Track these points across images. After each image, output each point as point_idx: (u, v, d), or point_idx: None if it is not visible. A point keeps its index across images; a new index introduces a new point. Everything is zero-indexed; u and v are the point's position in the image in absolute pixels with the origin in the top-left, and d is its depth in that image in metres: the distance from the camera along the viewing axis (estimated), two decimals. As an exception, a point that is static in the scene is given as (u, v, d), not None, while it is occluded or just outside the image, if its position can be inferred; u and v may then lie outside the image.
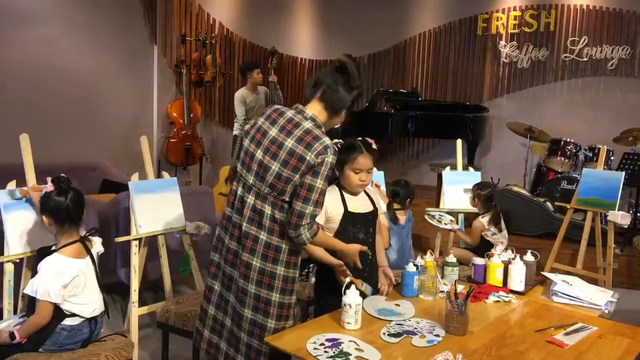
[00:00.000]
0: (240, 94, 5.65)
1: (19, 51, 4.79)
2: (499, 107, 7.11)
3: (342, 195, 2.30)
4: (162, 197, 3.13)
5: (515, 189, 5.11)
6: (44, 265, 2.05)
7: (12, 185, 2.48)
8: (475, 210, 3.65)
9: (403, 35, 7.79)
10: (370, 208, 2.37)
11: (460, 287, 2.28)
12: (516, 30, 6.99)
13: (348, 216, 2.27)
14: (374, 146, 2.30)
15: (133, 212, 2.95)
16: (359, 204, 2.32)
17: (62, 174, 2.21)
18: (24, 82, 4.84)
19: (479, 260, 2.56)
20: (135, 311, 2.85)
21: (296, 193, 1.89)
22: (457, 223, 3.73)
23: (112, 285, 3.51)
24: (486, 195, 3.50)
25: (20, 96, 4.82)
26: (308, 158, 1.86)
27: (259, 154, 1.94)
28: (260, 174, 1.93)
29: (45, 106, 4.98)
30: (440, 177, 5.98)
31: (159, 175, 3.23)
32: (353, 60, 2.02)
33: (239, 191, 1.99)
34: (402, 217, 3.38)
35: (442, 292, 2.31)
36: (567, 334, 1.98)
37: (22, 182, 2.56)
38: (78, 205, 2.15)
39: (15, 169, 4.58)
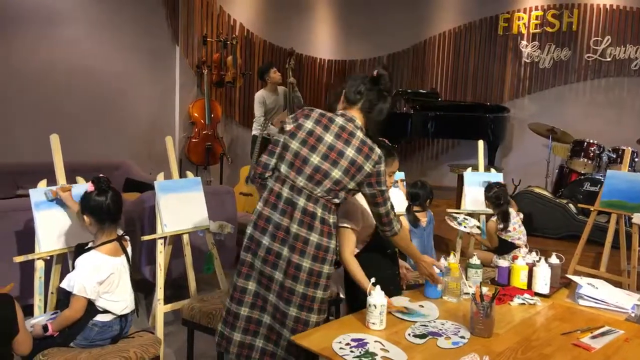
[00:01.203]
0: (260, 94, 5.67)
1: (46, 52, 4.89)
2: (521, 107, 7.04)
3: None
4: (187, 196, 3.17)
5: (537, 190, 5.06)
6: (82, 261, 2.11)
7: (42, 184, 2.55)
8: (490, 210, 3.64)
9: (422, 35, 7.76)
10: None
11: (484, 289, 2.28)
12: (538, 30, 6.92)
13: None
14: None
15: (159, 211, 3.00)
16: None
17: (101, 174, 2.27)
18: (50, 82, 4.94)
19: (503, 262, 2.55)
20: (161, 308, 2.90)
21: (369, 202, 2.10)
22: (479, 225, 3.71)
23: (136, 283, 3.56)
24: (492, 196, 3.49)
25: (46, 96, 4.92)
26: (366, 167, 2.00)
27: (314, 159, 1.99)
28: (316, 178, 1.98)
29: (69, 106, 5.08)
30: (460, 178, 5.97)
31: (181, 175, 3.27)
32: (388, 73, 2.11)
33: (285, 193, 2.00)
34: (423, 218, 3.39)
35: (466, 294, 2.31)
36: (593, 337, 1.97)
37: (51, 181, 2.62)
38: (117, 204, 2.21)
39: (43, 168, 4.68)
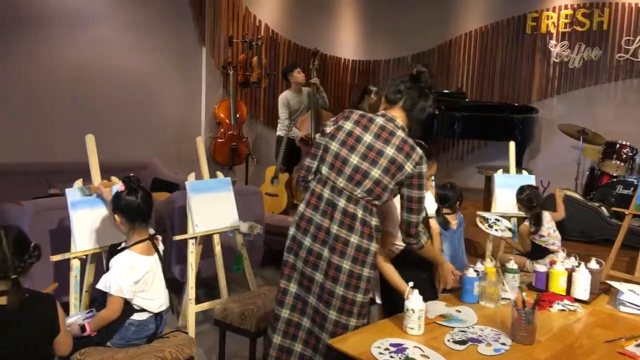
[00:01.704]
0: (283, 96, 5.67)
1: (77, 53, 4.96)
2: (549, 108, 6.91)
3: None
4: (217, 196, 3.18)
5: (569, 193, 4.95)
6: (117, 261, 2.12)
7: (79, 183, 2.57)
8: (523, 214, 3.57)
9: (448, 35, 7.67)
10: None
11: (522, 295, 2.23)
12: (567, 30, 6.79)
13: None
14: None
15: (190, 211, 3.01)
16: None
17: (132, 174, 2.28)
18: (80, 83, 5.00)
19: (541, 267, 2.49)
20: (192, 308, 2.91)
21: (402, 206, 2.02)
22: (510, 228, 3.64)
23: (166, 282, 3.59)
24: (525, 199, 3.42)
25: (76, 97, 4.98)
26: (407, 167, 1.97)
27: (353, 159, 1.99)
28: (356, 179, 1.98)
29: (98, 106, 5.13)
30: (488, 179, 5.88)
31: (210, 175, 3.27)
32: (428, 70, 2.08)
33: (326, 194, 2.01)
34: (453, 221, 3.33)
35: (504, 299, 2.26)
36: (638, 345, 1.91)
37: (86, 180, 2.65)
38: (147, 203, 2.22)
39: (74, 168, 4.74)
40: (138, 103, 5.48)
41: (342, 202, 1.98)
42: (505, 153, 6.70)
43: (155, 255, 2.26)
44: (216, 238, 3.15)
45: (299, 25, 7.03)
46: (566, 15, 6.79)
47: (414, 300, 1.90)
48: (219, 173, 3.29)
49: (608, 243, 4.32)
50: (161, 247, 2.35)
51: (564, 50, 6.80)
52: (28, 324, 1.70)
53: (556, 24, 6.84)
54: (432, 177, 3.56)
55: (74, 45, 4.93)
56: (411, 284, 1.99)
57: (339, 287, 1.97)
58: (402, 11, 7.76)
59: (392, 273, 2.17)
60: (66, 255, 2.43)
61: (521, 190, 3.44)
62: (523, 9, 7.04)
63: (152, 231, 2.30)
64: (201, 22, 5.92)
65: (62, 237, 2.83)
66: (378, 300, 2.36)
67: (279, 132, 5.72)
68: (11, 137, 4.58)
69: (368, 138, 1.99)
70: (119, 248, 2.22)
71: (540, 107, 6.76)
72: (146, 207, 2.22)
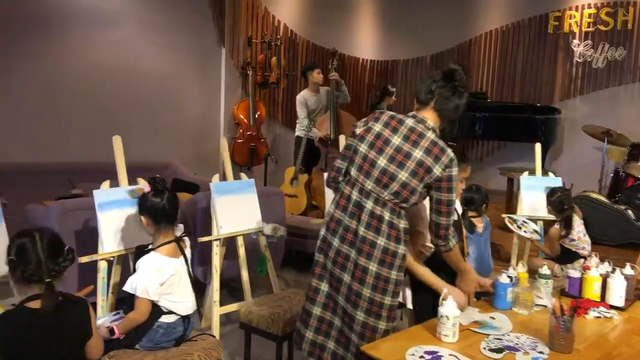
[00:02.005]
0: (301, 96, 5.65)
1: (97, 53, 4.98)
2: (572, 108, 6.80)
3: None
4: (241, 198, 3.17)
5: (594, 195, 4.86)
6: (143, 263, 2.11)
7: (106, 185, 2.57)
8: (552, 217, 3.50)
9: (468, 34, 7.59)
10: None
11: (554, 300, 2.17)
12: (591, 29, 6.67)
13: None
14: None
15: (214, 212, 3.00)
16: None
17: (157, 175, 2.27)
18: (100, 82, 5.03)
19: (574, 273, 2.43)
20: (217, 310, 2.90)
21: (431, 209, 1.97)
22: (537, 230, 3.57)
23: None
24: (556, 201, 3.35)
25: (96, 96, 5.01)
26: (435, 170, 1.92)
27: (381, 161, 1.96)
28: (383, 181, 1.95)
29: (117, 106, 5.15)
30: (510, 181, 5.81)
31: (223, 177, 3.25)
32: (462, 68, 2.02)
33: (354, 196, 2.00)
34: (479, 224, 3.28)
35: (537, 305, 2.21)
36: (681, 355, 1.85)
37: (109, 180, 2.64)
38: (173, 205, 2.20)
39: (95, 167, 4.77)
40: (158, 103, 5.50)
41: (369, 204, 1.96)
42: (525, 154, 6.66)
43: (182, 258, 2.24)
44: (240, 240, 3.13)
45: (318, 25, 7.00)
46: (589, 15, 6.68)
47: (448, 306, 1.86)
48: (242, 174, 3.28)
49: (635, 247, 4.22)
50: (188, 250, 2.33)
51: (587, 50, 6.69)
52: (62, 327, 1.69)
53: (579, 24, 6.73)
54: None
55: (94, 46, 4.96)
56: (445, 290, 1.95)
57: (365, 288, 1.96)
58: (421, 10, 7.69)
59: (425, 273, 2.13)
60: (94, 257, 2.43)
61: (552, 192, 3.37)
62: (545, 8, 6.94)
63: (179, 233, 2.28)
64: (221, 22, 5.92)
65: (87, 237, 2.84)
66: (409, 305, 2.32)
67: (298, 133, 5.70)
68: (32, 137, 4.62)
69: (397, 140, 1.95)
70: (146, 249, 2.21)
71: (563, 108, 6.66)
72: (172, 209, 2.20)
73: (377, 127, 2.00)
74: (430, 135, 1.96)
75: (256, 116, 6.10)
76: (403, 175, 1.93)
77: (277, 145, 6.66)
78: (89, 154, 4.83)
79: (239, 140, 6.03)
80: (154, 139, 5.41)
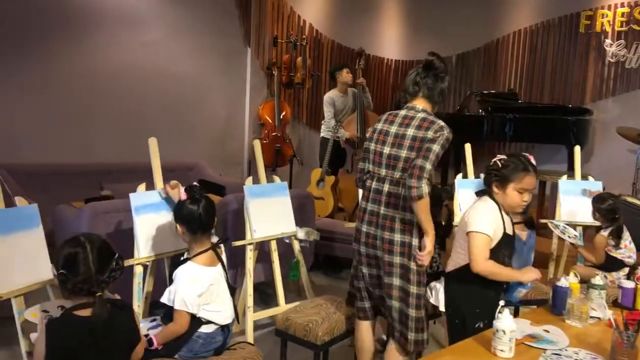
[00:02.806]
0: (329, 96, 5.59)
1: (124, 54, 4.96)
2: (604, 109, 6.61)
3: (501, 214, 2.19)
4: (275, 201, 3.11)
5: (630, 199, 4.70)
6: (179, 274, 2.05)
7: (142, 188, 2.52)
8: (596, 223, 3.37)
9: (495, 33, 7.43)
10: (511, 229, 2.25)
11: (609, 313, 2.07)
12: (624, 28, 6.48)
13: (504, 238, 2.20)
14: (533, 161, 2.18)
15: (248, 216, 2.94)
16: (509, 225, 2.22)
17: (195, 183, 2.22)
18: (127, 84, 5.01)
19: (627, 283, 2.32)
20: (251, 316, 2.84)
21: (421, 155, 2.13)
22: (576, 235, 3.45)
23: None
24: (607, 209, 3.21)
25: (123, 98, 4.98)
26: (428, 135, 2.16)
27: (386, 149, 2.26)
28: (391, 164, 2.24)
29: (143, 107, 5.12)
30: (542, 184, 5.66)
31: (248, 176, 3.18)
32: (437, 56, 2.26)
33: (374, 185, 2.30)
34: (522, 232, 3.17)
35: (592, 317, 2.11)
36: None
37: (148, 185, 2.60)
38: (210, 213, 2.14)
39: (124, 168, 4.74)
40: (183, 104, 5.47)
41: (386, 187, 2.25)
42: (553, 156, 6.51)
43: (219, 266, 2.18)
44: (273, 244, 3.07)
45: (343, 25, 6.92)
46: (622, 14, 6.48)
47: (504, 319, 1.77)
48: (275, 177, 3.21)
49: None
50: (224, 256, 2.27)
51: (620, 50, 6.50)
52: (112, 335, 1.64)
53: (612, 23, 6.54)
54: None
55: (121, 47, 4.94)
56: (502, 302, 1.86)
57: (395, 257, 2.22)
58: (447, 9, 7.56)
59: (500, 270, 2.15)
60: (130, 262, 2.38)
61: (601, 199, 3.23)
62: (576, 7, 6.76)
63: (215, 239, 2.23)
64: (247, 22, 5.88)
65: (119, 240, 2.80)
66: (442, 307, 2.26)
67: (324, 134, 5.63)
68: (60, 138, 4.61)
69: (393, 129, 2.25)
70: (182, 259, 2.15)
71: (594, 109, 6.47)
72: (208, 217, 2.14)
73: (379, 125, 2.33)
74: (420, 115, 2.22)
75: (281, 117, 6.04)
76: (403, 153, 2.19)
77: (302, 147, 6.59)
78: (116, 155, 4.81)
79: (264, 141, 5.97)
80: (179, 140, 5.38)
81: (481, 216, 2.16)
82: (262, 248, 3.18)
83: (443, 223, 2.91)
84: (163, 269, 2.57)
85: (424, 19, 7.68)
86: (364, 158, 2.36)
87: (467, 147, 3.79)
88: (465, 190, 3.60)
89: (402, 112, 2.27)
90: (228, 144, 5.94)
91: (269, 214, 3.04)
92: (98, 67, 4.81)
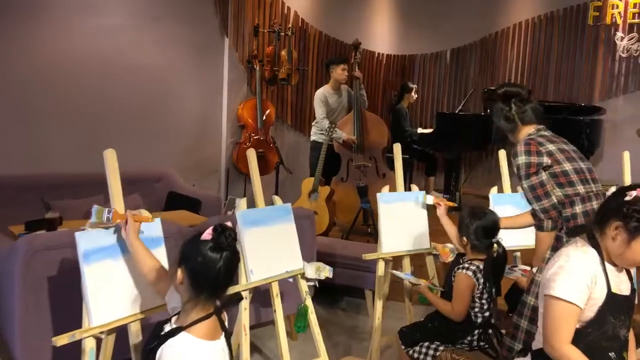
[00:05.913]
0: (321, 93, 4.94)
1: (75, 44, 4.16)
2: (614, 108, 6.14)
3: (604, 267, 1.52)
4: (276, 230, 2.37)
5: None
6: (169, 354, 1.34)
7: (99, 210, 1.73)
8: None
9: (493, 26, 6.89)
10: (629, 285, 1.59)
11: None
12: (636, 20, 6.02)
13: (611, 300, 1.54)
14: None
15: (243, 252, 2.19)
16: (621, 281, 1.57)
17: (228, 222, 1.50)
18: (80, 79, 4.21)
19: None
20: (250, 393, 2.09)
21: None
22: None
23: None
24: None
25: (75, 95, 4.20)
26: (513, 164, 2.16)
27: (583, 165, 2.17)
28: (594, 178, 2.17)
29: (101, 106, 4.35)
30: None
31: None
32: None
33: (594, 205, 2.08)
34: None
35: None
36: None
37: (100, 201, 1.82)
38: (230, 272, 1.48)
39: (72, 180, 3.96)
40: (149, 102, 4.68)
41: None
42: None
43: (222, 338, 1.49)
44: (275, 288, 2.32)
45: (331, 15, 6.25)
46: (635, 5, 6.03)
47: None
48: (276, 197, 2.47)
49: None
50: (226, 321, 1.56)
51: (632, 44, 6.03)
52: None
53: (623, 14, 6.07)
54: None
55: (73, 33, 4.14)
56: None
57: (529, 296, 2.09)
58: (441, 1, 6.97)
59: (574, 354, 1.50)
60: (77, 335, 1.60)
61: None
62: (584, -2, 6.27)
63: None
64: (224, 8, 5.12)
65: (65, 292, 2.01)
66: None
67: (315, 137, 4.94)
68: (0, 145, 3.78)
69: (565, 146, 2.22)
70: (173, 328, 1.42)
71: (604, 108, 5.99)
72: (226, 277, 1.48)
73: (551, 146, 2.17)
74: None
75: (264, 117, 5.29)
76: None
77: (287, 152, 5.85)
78: (67, 164, 4.01)
79: (245, 146, 5.22)
80: (144, 145, 4.57)
81: (572, 275, 1.52)
82: (257, 288, 2.44)
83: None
84: (126, 342, 1.79)
85: (417, 10, 7.10)
86: (555, 187, 2.08)
87: (502, 153, 3.16)
88: (502, 207, 2.96)
89: (549, 132, 2.26)
90: (202, 150, 5.16)
91: (270, 247, 2.30)
92: (45, 57, 3.98)
